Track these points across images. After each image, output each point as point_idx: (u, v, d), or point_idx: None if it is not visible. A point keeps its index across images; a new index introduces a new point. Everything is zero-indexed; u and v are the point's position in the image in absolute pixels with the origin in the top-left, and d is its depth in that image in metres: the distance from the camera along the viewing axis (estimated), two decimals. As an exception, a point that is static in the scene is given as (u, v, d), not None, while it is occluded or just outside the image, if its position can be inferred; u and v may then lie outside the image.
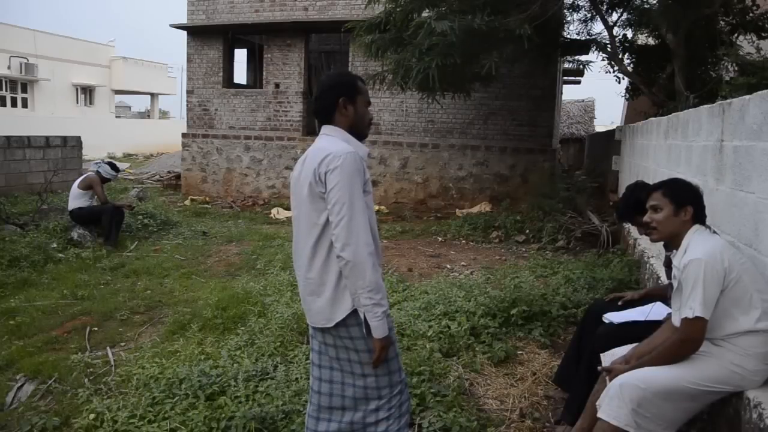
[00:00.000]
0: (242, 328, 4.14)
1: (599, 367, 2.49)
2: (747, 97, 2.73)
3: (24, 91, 26.26)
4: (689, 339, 2.19)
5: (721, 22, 7.88)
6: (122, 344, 4.18)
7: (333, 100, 2.12)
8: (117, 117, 32.29)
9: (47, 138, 11.24)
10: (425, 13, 7.57)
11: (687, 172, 3.94)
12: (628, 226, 5.79)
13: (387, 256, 6.66)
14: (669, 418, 2.19)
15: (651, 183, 2.79)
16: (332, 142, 2.08)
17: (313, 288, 2.10)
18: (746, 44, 7.70)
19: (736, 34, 8.04)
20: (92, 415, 2.95)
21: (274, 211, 10.57)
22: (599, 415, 2.24)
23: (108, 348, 4.04)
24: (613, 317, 2.88)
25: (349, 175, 1.95)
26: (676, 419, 2.22)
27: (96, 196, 7.29)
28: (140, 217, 8.30)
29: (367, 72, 9.29)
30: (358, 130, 2.18)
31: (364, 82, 2.25)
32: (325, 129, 2.16)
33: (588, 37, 9.53)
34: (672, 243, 2.44)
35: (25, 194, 10.03)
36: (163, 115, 41.36)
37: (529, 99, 10.33)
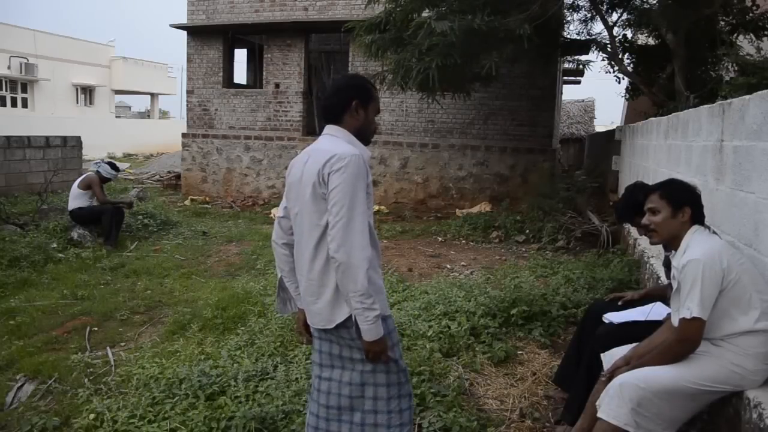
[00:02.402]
0: (242, 328, 4.14)
1: (602, 375, 2.48)
2: (747, 97, 2.73)
3: (24, 91, 26.27)
4: (686, 339, 2.19)
5: (721, 22, 7.87)
6: (122, 344, 4.18)
7: (346, 101, 2.10)
8: (117, 117, 32.28)
9: (47, 138, 11.24)
10: (425, 13, 7.57)
11: (687, 172, 3.94)
12: (628, 226, 5.79)
13: (387, 256, 6.66)
14: (669, 417, 2.19)
15: (651, 183, 2.79)
16: (336, 143, 2.05)
17: (313, 289, 2.08)
18: (746, 44, 7.71)
19: (736, 34, 8.03)
20: (92, 415, 2.95)
21: (274, 211, 10.55)
22: (599, 414, 2.24)
23: (108, 348, 4.04)
24: (613, 317, 2.88)
25: (352, 177, 1.93)
26: (676, 419, 2.22)
27: (95, 196, 7.30)
28: (140, 217, 8.30)
29: (367, 72, 9.29)
30: (364, 135, 2.16)
31: (377, 90, 2.23)
32: (329, 129, 2.12)
33: (588, 37, 9.52)
34: (671, 244, 2.44)
35: (25, 194, 10.03)
36: (163, 115, 41.32)
37: (529, 99, 10.33)
